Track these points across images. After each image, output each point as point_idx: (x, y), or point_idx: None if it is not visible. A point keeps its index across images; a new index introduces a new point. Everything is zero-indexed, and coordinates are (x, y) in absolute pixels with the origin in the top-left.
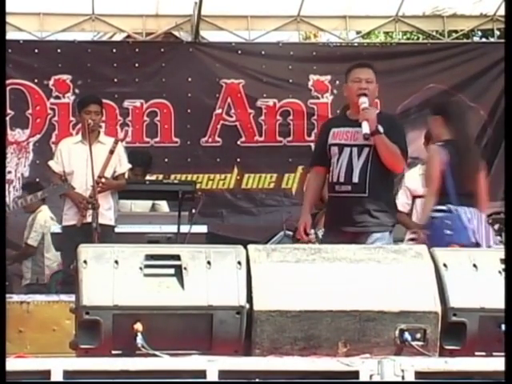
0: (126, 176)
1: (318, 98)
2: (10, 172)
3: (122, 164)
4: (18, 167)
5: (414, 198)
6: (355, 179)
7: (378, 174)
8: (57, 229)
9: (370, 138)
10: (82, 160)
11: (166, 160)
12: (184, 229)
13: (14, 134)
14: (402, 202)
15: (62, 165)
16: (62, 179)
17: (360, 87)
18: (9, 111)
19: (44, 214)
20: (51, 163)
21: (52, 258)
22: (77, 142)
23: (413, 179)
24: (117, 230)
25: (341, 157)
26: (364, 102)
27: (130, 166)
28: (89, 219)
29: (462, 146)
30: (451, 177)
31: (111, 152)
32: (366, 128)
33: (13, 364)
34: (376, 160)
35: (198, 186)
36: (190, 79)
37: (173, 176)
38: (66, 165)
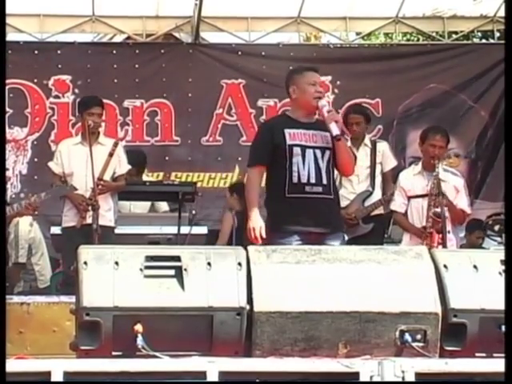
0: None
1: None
2: (7, 169)
3: (121, 165)
4: (16, 165)
5: (409, 198)
6: (324, 181)
7: (334, 177)
8: (56, 230)
9: (340, 138)
10: (81, 161)
11: (167, 158)
12: (184, 230)
13: (12, 132)
14: (399, 202)
15: (62, 166)
16: (61, 180)
17: (317, 90)
18: (7, 109)
19: (23, 225)
20: (51, 164)
21: (40, 263)
22: (76, 143)
23: (407, 180)
24: (117, 231)
25: (306, 158)
26: (325, 104)
27: (129, 166)
28: (89, 220)
29: None
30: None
31: (110, 154)
32: (335, 129)
33: (13, 365)
34: (333, 162)
35: (199, 184)
36: (190, 79)
37: (174, 174)
38: (66, 166)
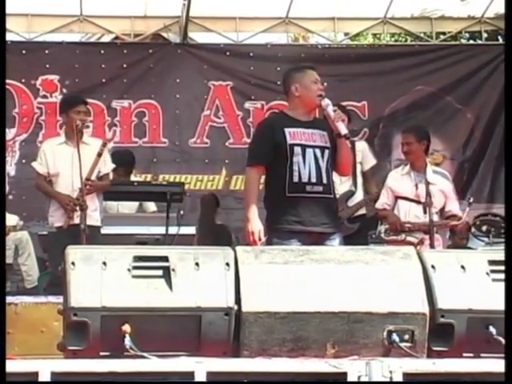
0: (111, 177)
1: None
2: None
3: (106, 164)
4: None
5: (397, 198)
6: (324, 180)
7: (333, 176)
8: (43, 230)
9: (348, 137)
10: (67, 161)
11: (155, 160)
12: (172, 230)
13: None
14: (382, 202)
15: (47, 166)
16: (46, 180)
17: (320, 88)
18: None
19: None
20: (35, 164)
21: (27, 263)
22: (61, 142)
23: (395, 180)
24: (105, 231)
25: (306, 157)
26: (329, 103)
27: (113, 165)
28: (76, 221)
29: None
30: None
31: (99, 155)
32: (343, 128)
33: None
34: (331, 162)
35: (186, 186)
36: (178, 80)
37: (161, 176)
38: (51, 166)
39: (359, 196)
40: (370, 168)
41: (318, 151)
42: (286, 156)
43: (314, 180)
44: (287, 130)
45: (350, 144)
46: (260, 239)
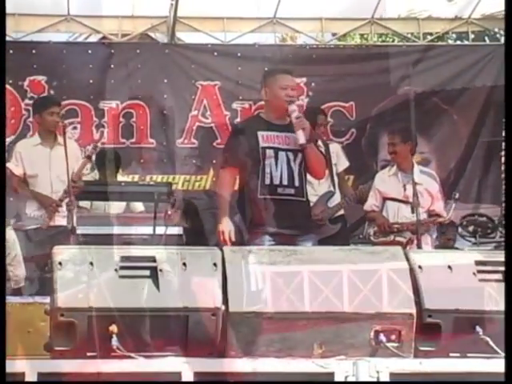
0: (97, 177)
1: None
2: None
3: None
4: None
5: (385, 199)
6: (296, 183)
7: (306, 179)
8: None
9: (305, 147)
10: (44, 163)
11: (142, 161)
12: (160, 230)
13: None
14: (370, 203)
15: (23, 167)
16: (21, 181)
17: (288, 94)
18: None
19: None
20: (10, 165)
21: (13, 264)
22: (36, 144)
23: (383, 181)
24: (92, 231)
25: (278, 160)
26: (295, 109)
27: None
28: (57, 222)
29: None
30: None
31: (88, 157)
32: (302, 137)
33: None
34: (305, 165)
35: (173, 186)
36: (165, 80)
37: (148, 177)
38: (28, 167)
39: (338, 196)
40: (343, 170)
41: (290, 154)
42: (259, 159)
43: (285, 182)
44: (260, 134)
45: (323, 146)
46: (230, 239)
